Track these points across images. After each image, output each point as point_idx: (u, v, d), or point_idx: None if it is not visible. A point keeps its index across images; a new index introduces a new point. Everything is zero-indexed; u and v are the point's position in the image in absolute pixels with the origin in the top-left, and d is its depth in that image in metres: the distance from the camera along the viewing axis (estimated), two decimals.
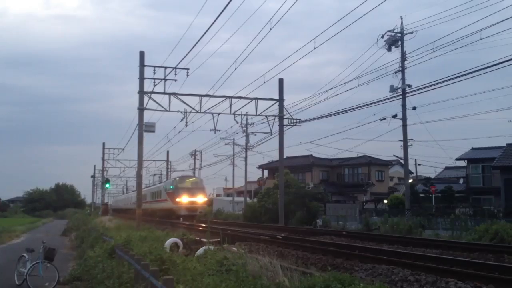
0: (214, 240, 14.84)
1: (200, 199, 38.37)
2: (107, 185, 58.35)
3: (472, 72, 22.58)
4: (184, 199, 37.17)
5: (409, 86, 32.41)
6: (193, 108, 27.83)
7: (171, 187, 39.21)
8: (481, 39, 23.81)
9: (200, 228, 25.72)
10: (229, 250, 11.66)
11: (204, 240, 14.70)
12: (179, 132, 35.86)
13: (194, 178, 42.86)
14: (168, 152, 60.47)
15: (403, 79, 32.84)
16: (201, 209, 39.07)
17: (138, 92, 26.40)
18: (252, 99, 28.92)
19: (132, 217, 37.65)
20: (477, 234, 18.09)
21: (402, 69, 32.88)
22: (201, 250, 11.53)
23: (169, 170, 62.13)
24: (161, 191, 43.11)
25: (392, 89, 32.86)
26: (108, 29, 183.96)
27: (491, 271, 9.76)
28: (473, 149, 44.86)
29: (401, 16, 34.80)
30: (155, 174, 68.41)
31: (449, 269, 9.85)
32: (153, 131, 27.40)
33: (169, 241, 13.82)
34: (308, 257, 13.11)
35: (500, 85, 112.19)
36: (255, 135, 43.12)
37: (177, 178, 40.96)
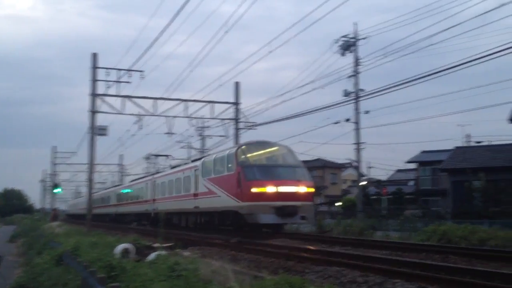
0: (166, 245, 14.67)
1: (302, 189, 19.28)
2: (58, 189, 56.81)
3: (422, 77, 23.17)
4: (270, 189, 18.46)
5: (362, 90, 33.09)
6: (147, 111, 27.49)
7: (229, 165, 20.28)
8: (431, 45, 24.64)
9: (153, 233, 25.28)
10: (182, 255, 11.56)
11: (157, 245, 14.52)
12: (133, 135, 35.26)
13: (277, 147, 21.41)
14: (121, 155, 59.40)
15: (356, 83, 33.51)
16: (306, 211, 19.42)
17: (90, 95, 25.83)
18: (208, 102, 28.84)
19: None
20: (426, 235, 18.57)
21: (356, 73, 33.56)
22: (152, 256, 11.37)
23: (122, 174, 61.07)
24: (198, 176, 23.55)
25: (346, 93, 33.47)
26: (61, 30, 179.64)
27: (437, 272, 10.03)
28: (423, 152, 46.08)
29: (354, 22, 35.65)
30: (168, 156, 46.14)
31: (396, 270, 10.06)
32: (106, 135, 26.92)
33: (120, 247, 13.56)
34: (261, 261, 13.13)
35: (450, 90, 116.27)
36: (211, 138, 42.83)
37: (244, 147, 20.71)
